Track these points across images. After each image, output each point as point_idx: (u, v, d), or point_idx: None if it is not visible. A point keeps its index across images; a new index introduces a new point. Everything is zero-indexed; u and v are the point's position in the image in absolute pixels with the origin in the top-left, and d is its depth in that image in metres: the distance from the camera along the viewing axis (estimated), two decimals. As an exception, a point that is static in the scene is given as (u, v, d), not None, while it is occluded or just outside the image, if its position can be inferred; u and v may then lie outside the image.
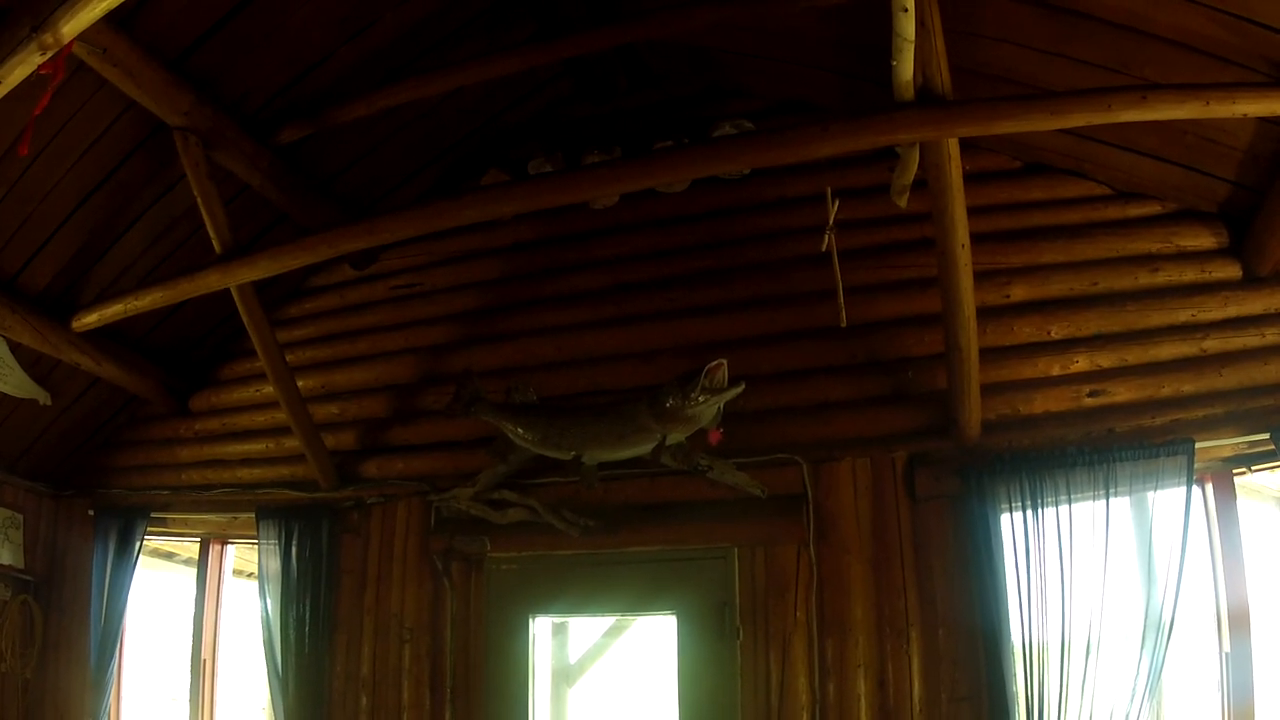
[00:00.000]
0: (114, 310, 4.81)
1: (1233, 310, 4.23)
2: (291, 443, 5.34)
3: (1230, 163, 4.09)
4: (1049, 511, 4.02)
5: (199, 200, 4.48)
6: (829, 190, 4.02)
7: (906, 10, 3.23)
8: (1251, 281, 4.24)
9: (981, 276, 4.15)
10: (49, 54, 3.27)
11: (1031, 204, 4.58)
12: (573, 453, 4.48)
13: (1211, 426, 4.05)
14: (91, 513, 5.74)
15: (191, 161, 4.44)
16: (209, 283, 4.56)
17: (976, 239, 3.98)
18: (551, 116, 5.54)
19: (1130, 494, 4.01)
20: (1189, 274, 4.33)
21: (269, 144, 4.76)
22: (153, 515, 5.69)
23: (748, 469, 4.49)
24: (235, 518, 5.55)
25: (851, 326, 4.42)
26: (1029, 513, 4.03)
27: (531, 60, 4.70)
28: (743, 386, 4.09)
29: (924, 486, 4.34)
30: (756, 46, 4.89)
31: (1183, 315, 4.27)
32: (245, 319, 4.77)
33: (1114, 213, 4.49)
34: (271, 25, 4.39)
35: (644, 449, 4.38)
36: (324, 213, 5.18)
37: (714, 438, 4.25)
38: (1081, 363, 4.30)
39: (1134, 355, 4.26)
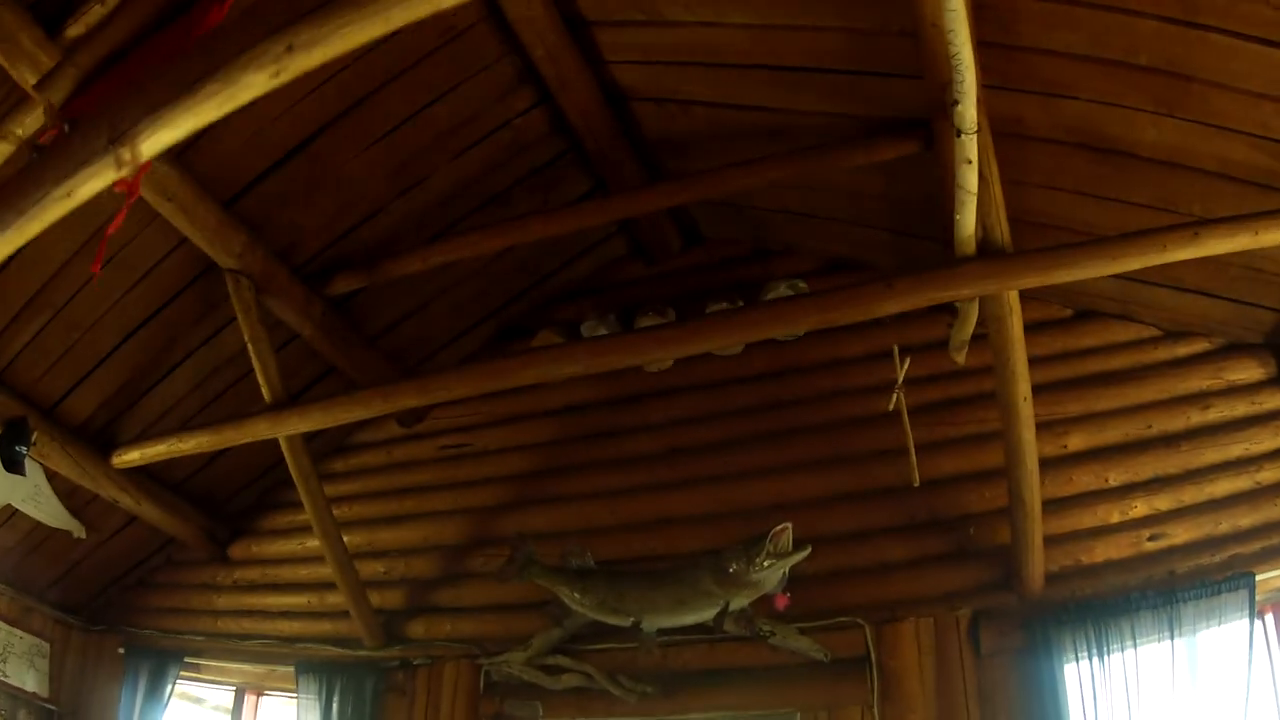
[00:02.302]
0: (156, 450, 4.73)
1: None
2: (335, 599, 5.17)
3: (1275, 290, 4.13)
4: (1114, 658, 3.91)
5: (249, 345, 4.44)
6: (896, 348, 4.00)
7: (970, 162, 3.21)
8: None
9: (1039, 427, 4.07)
10: (124, 170, 3.00)
11: (1084, 351, 4.57)
12: (631, 618, 4.34)
13: (1270, 557, 3.99)
14: (122, 651, 5.59)
15: (243, 305, 4.41)
16: (258, 431, 4.49)
17: (1033, 390, 3.94)
18: (603, 276, 5.57)
19: (1194, 633, 3.89)
20: (1240, 407, 4.31)
21: (320, 294, 4.75)
22: (186, 660, 5.54)
23: (810, 633, 4.33)
24: (273, 670, 5.39)
25: (909, 486, 4.40)
26: (1095, 661, 3.93)
27: (586, 219, 4.82)
28: (809, 550, 3.97)
29: (989, 642, 4.19)
30: (805, 205, 4.93)
31: (1236, 450, 4.23)
32: (293, 471, 4.66)
33: (1164, 353, 4.49)
34: (326, 173, 4.48)
35: (705, 614, 4.21)
36: (374, 368, 5.15)
37: (780, 602, 4.12)
38: (1140, 507, 4.23)
39: (1190, 495, 4.20)
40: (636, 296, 5.38)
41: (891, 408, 4.06)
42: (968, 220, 3.48)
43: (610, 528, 4.97)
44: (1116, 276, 4.24)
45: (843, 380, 4.90)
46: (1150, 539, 4.18)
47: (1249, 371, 4.36)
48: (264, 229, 4.49)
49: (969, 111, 3.17)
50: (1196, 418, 4.34)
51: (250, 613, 5.63)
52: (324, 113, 4.32)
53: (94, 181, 2.81)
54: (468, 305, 5.45)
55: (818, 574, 4.44)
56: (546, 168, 5.01)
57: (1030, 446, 3.93)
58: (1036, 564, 4.12)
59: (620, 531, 4.94)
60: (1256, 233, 3.36)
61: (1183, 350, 4.48)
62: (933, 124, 3.93)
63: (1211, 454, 4.25)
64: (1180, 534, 4.16)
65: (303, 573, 5.57)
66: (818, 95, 4.28)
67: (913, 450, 4.01)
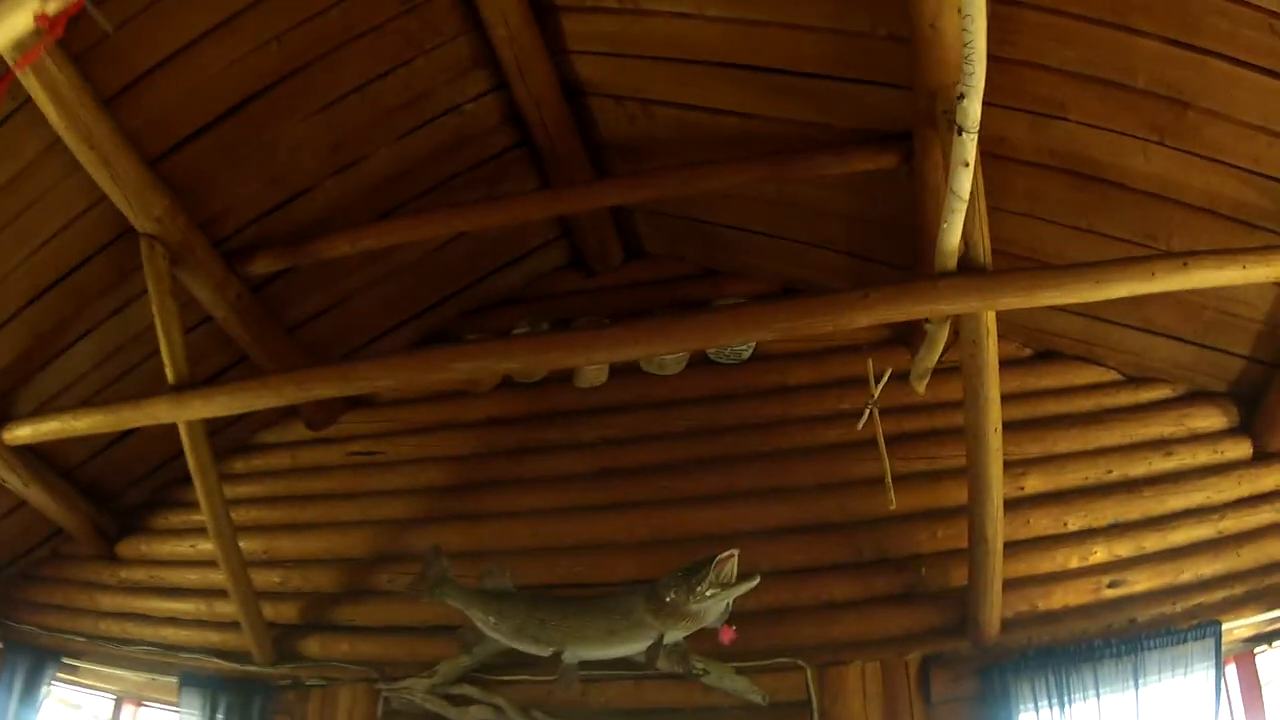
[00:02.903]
0: (49, 428, 4.21)
1: (1246, 489, 4.14)
2: (225, 608, 4.64)
3: (1247, 337, 4.04)
4: (1075, 708, 3.73)
5: (157, 319, 3.97)
6: (870, 362, 3.76)
7: (968, 164, 2.96)
8: (1262, 458, 4.18)
9: None
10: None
11: (1044, 392, 4.42)
12: (552, 648, 3.90)
13: (1233, 607, 3.86)
14: (1, 645, 4.96)
15: (156, 275, 3.96)
16: (157, 413, 3.99)
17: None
18: (539, 286, 5.25)
19: (1159, 682, 3.73)
20: (1202, 455, 4.21)
21: (239, 272, 4.32)
22: (64, 661, 4.93)
23: (747, 673, 3.99)
24: (155, 679, 4.79)
25: (857, 522, 4.29)
26: (1054, 710, 3.73)
27: (527, 212, 4.51)
28: (757, 580, 3.59)
29: (940, 689, 3.92)
30: (760, 221, 4.69)
31: (1198, 497, 4.13)
32: (191, 463, 4.13)
33: (1126, 398, 4.38)
34: (260, 140, 4.11)
35: (636, 647, 3.80)
36: (288, 360, 4.68)
37: (726, 635, 3.73)
38: (1100, 553, 4.07)
39: (1152, 542, 4.07)
40: (572, 309, 5.07)
41: (861, 426, 3.78)
42: (954, 231, 3.24)
43: (532, 550, 4.55)
44: (1084, 314, 4.24)
45: (789, 408, 4.63)
46: (1110, 585, 4.00)
47: (1211, 419, 4.27)
48: (187, 195, 4.05)
49: (974, 107, 2.93)
50: (1158, 464, 4.22)
51: (134, 616, 5.04)
52: (266, 73, 3.95)
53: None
54: (394, 303, 5.04)
55: (757, 610, 4.08)
56: (492, 160, 4.68)
57: (997, 481, 3.68)
58: (994, 607, 3.86)
59: (543, 554, 4.52)
60: (1244, 266, 3.24)
61: (1145, 396, 4.37)
62: (915, 136, 3.77)
63: (1173, 500, 4.13)
64: (1141, 581, 4.00)
65: (192, 577, 5.01)
66: (794, 101, 4.06)
67: (889, 472, 3.75)
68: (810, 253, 4.70)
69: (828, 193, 4.33)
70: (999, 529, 3.74)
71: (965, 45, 2.78)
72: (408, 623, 4.54)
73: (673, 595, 3.71)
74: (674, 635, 3.78)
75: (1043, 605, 4.02)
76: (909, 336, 4.57)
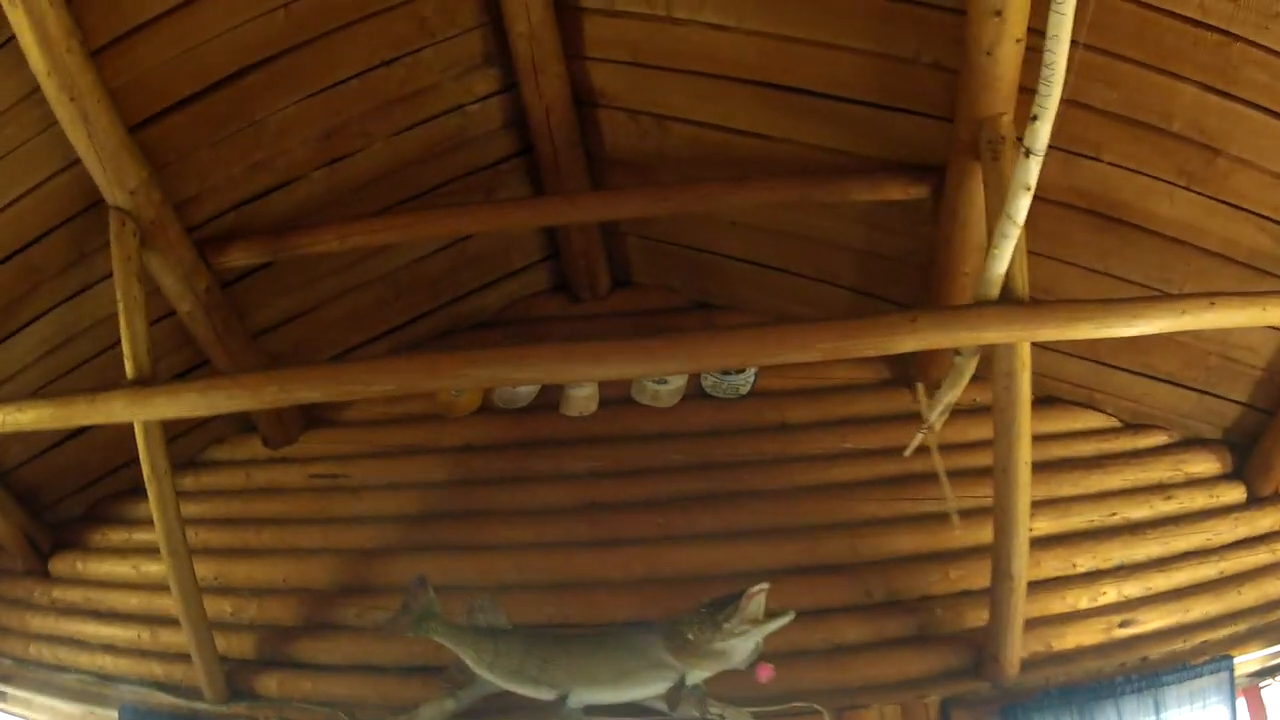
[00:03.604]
0: None
1: (1243, 530, 4.23)
2: (172, 638, 4.15)
3: (1247, 384, 4.15)
4: None
5: (120, 304, 3.54)
6: (920, 388, 3.70)
7: (1029, 189, 2.88)
8: (1255, 502, 4.29)
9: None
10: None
11: (1046, 436, 4.36)
12: (556, 691, 3.55)
13: (1238, 643, 3.91)
14: None
15: (123, 253, 3.56)
16: (113, 410, 3.52)
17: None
18: (519, 308, 4.99)
19: (1179, 716, 3.77)
20: (1200, 499, 4.29)
21: (211, 263, 3.95)
22: None
23: (763, 718, 3.71)
24: (92, 712, 4.25)
25: (866, 562, 4.16)
26: None
27: (518, 218, 4.34)
28: (791, 616, 3.41)
29: (962, 730, 3.80)
30: (764, 252, 4.56)
31: (1198, 539, 4.19)
32: (146, 469, 3.65)
33: (1125, 444, 4.43)
34: (249, 118, 3.81)
35: (651, 690, 3.52)
36: (250, 367, 4.23)
37: (764, 674, 3.51)
38: (1110, 594, 4.07)
39: (1159, 582, 4.11)
40: (554, 336, 4.77)
41: (909, 454, 3.72)
42: (1003, 258, 3.18)
43: (516, 586, 4.18)
44: (1088, 359, 4.31)
45: (789, 446, 4.48)
46: (1121, 625, 4.00)
47: (1207, 464, 4.37)
48: (166, 171, 3.69)
49: (1045, 130, 2.90)
50: (1159, 506, 4.28)
51: (68, 641, 4.46)
52: (268, 43, 3.65)
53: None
54: (366, 316, 4.68)
55: (768, 653, 3.81)
56: (489, 169, 4.43)
57: (1023, 517, 3.60)
58: (1016, 646, 3.77)
59: (527, 591, 4.17)
60: (1264, 309, 3.34)
61: (1143, 442, 4.44)
62: (950, 167, 3.72)
63: (1176, 542, 4.18)
64: (1151, 620, 4.02)
65: (134, 601, 4.47)
66: (822, 125, 3.95)
67: (950, 497, 3.65)
68: (813, 288, 4.59)
69: (843, 224, 4.25)
70: (1024, 566, 3.65)
71: (1045, 65, 2.70)
72: (379, 661, 4.12)
73: (696, 633, 3.44)
74: (696, 676, 3.51)
75: (1057, 645, 3.96)
76: (909, 378, 4.50)
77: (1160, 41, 3.29)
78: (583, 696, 3.57)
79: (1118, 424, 4.49)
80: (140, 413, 3.55)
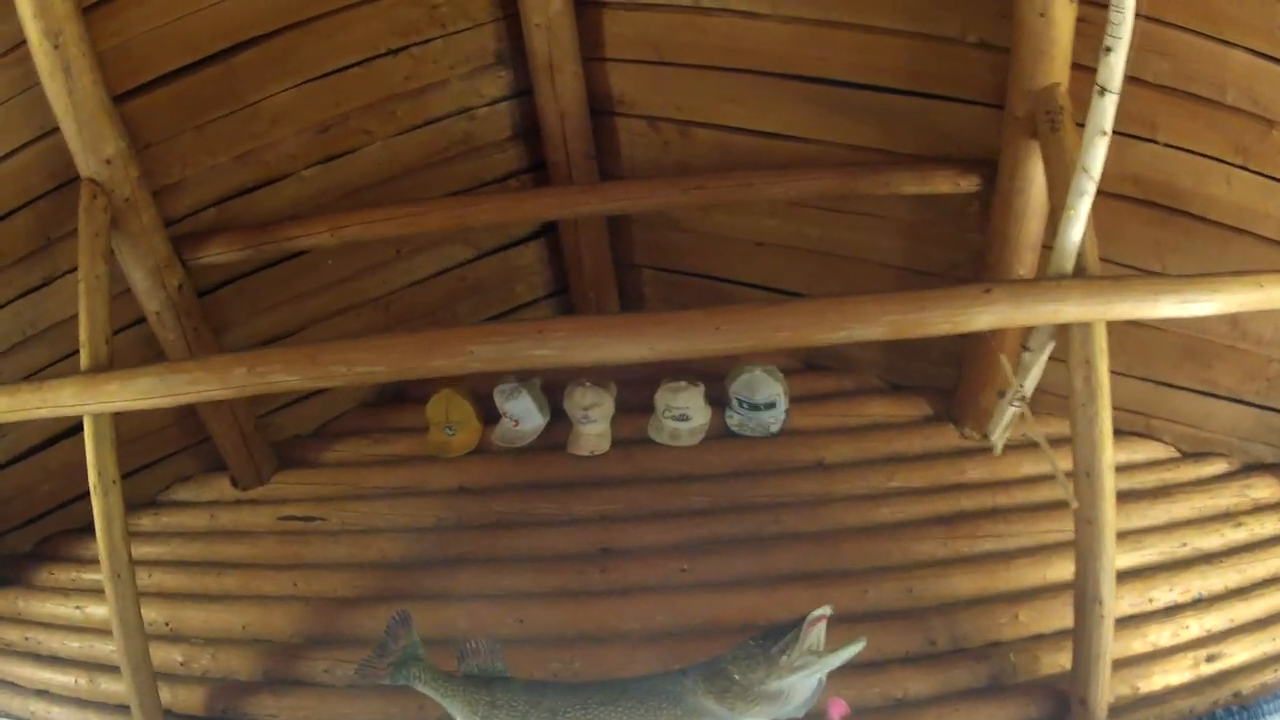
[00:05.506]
0: None
1: None
2: (113, 687, 3.53)
3: None
4: None
5: (81, 285, 3.08)
6: (1004, 359, 3.36)
7: (1105, 133, 2.66)
8: None
9: (1066, 546, 3.45)
10: None
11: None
12: (571, 751, 2.95)
13: None
14: None
15: (92, 229, 3.13)
16: (61, 397, 3.02)
17: (1053, 507, 3.63)
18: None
19: None
20: (1269, 525, 3.95)
21: (186, 259, 3.57)
22: None
23: (822, 780, 3.14)
24: None
25: (925, 608, 3.67)
26: None
27: (521, 210, 4.06)
28: (863, 644, 2.89)
29: (1053, 784, 3.23)
30: (792, 276, 4.25)
31: (1275, 565, 3.83)
32: (92, 475, 3.10)
33: (1188, 473, 4.13)
34: (241, 99, 3.50)
35: (691, 746, 2.93)
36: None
37: (838, 709, 2.95)
38: (1192, 628, 3.65)
39: (1240, 612, 3.71)
40: (553, 372, 4.34)
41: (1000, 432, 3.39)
42: (1079, 220, 2.90)
43: (518, 639, 3.57)
44: (1148, 380, 4.01)
45: (829, 485, 4.04)
46: (1208, 660, 3.56)
47: (1270, 490, 4.05)
48: (146, 153, 3.35)
49: (1119, 63, 2.66)
50: (1230, 534, 3.92)
51: (2, 684, 3.82)
52: (266, 18, 3.39)
53: None
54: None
55: (816, 714, 3.27)
56: (494, 184, 4.13)
57: (1110, 529, 3.14)
58: (1105, 688, 3.28)
59: (532, 645, 3.58)
60: None
61: (1205, 470, 4.12)
62: (1004, 151, 3.43)
63: (1253, 570, 3.81)
64: (1238, 652, 3.59)
65: (73, 645, 3.84)
66: (864, 121, 3.69)
67: (1059, 470, 3.24)
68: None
69: (881, 238, 3.97)
70: (1113, 590, 3.16)
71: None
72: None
73: (744, 672, 2.84)
74: (749, 723, 2.91)
75: (1144, 688, 3.49)
76: (957, 412, 4.15)
77: (1207, 2, 3.10)
78: (603, 757, 2.94)
79: (1177, 454, 4.17)
80: (91, 401, 3.03)
